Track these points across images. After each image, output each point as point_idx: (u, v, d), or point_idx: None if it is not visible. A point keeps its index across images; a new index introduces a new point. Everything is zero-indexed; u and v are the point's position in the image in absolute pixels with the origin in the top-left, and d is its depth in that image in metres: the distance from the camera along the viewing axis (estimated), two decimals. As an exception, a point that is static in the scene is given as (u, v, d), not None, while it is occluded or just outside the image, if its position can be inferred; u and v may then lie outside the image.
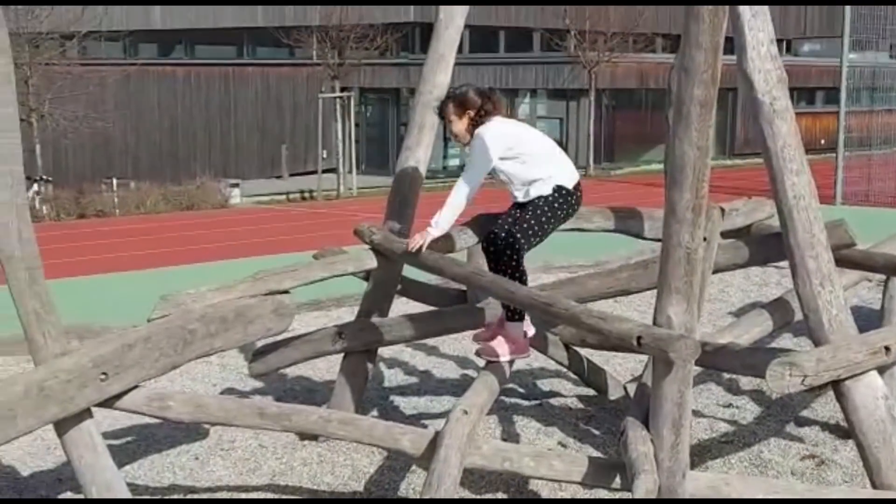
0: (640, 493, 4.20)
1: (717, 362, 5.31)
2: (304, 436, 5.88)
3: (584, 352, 6.75)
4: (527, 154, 5.41)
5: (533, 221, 5.38)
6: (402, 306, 7.24)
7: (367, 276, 6.14)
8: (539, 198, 5.42)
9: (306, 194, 26.88)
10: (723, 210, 5.66)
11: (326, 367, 7.67)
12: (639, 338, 4.23)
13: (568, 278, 6.29)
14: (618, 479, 4.61)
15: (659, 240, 6.02)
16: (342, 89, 28.32)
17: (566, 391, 7.32)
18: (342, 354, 6.12)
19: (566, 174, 5.51)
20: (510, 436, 6.21)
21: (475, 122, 5.40)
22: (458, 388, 7.58)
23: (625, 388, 5.91)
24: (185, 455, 6.10)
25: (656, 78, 35.79)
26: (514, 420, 6.44)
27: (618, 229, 5.86)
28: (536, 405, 6.88)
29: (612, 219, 5.81)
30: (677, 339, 4.15)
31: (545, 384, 7.46)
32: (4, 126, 4.30)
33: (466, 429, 4.59)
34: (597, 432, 6.40)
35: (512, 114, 34.93)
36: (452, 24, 5.91)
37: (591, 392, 7.07)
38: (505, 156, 5.39)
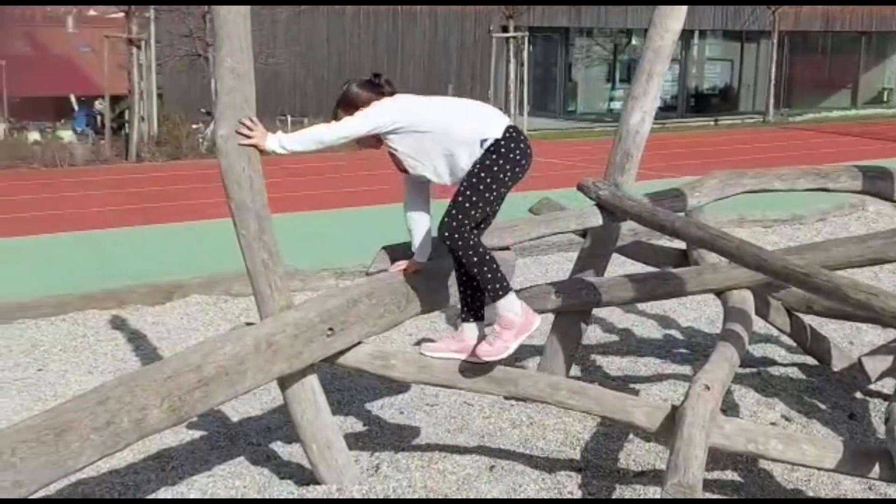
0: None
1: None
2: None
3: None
4: (427, 120, 4.35)
5: (461, 199, 4.31)
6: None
7: (583, 232, 5.83)
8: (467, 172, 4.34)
9: (474, 135, 26.57)
10: None
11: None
12: (918, 318, 3.80)
13: (809, 244, 5.82)
14: (877, 469, 4.23)
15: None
16: (515, 28, 27.71)
17: (781, 358, 6.89)
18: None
19: (488, 125, 4.35)
20: (729, 406, 5.83)
21: None
22: (661, 349, 7.24)
23: (860, 362, 5.44)
24: (389, 409, 5.96)
25: (842, 21, 33.95)
26: (730, 389, 6.05)
27: (866, 190, 5.37)
28: (754, 373, 6.47)
29: (861, 178, 5.32)
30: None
31: (757, 349, 7.03)
32: (240, 71, 4.13)
33: (709, 406, 4.26)
34: (823, 406, 5.97)
35: (686, 55, 33.69)
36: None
37: (811, 360, 6.63)
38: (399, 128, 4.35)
